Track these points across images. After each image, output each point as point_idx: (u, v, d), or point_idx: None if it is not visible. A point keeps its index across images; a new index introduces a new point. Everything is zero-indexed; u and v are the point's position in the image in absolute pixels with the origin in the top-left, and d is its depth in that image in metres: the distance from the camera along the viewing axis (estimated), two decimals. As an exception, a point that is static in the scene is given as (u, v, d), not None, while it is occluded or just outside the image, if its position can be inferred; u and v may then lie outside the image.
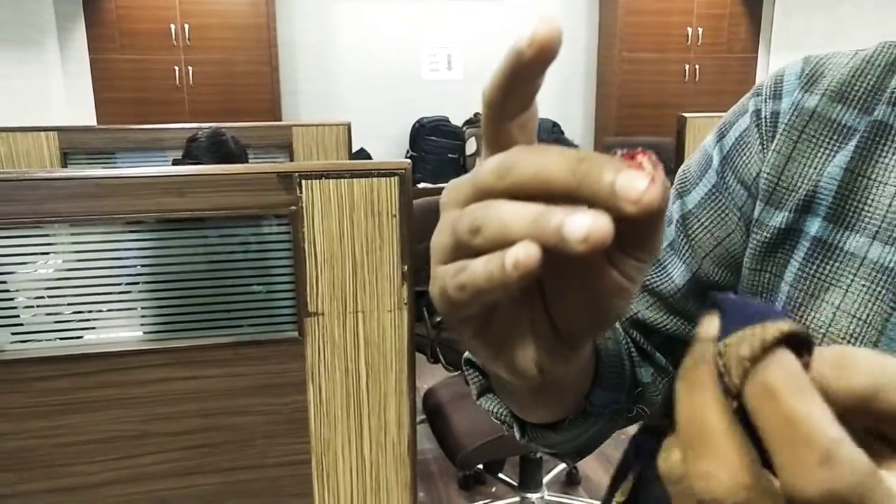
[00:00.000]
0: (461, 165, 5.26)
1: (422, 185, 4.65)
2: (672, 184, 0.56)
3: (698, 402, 0.22)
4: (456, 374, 2.37)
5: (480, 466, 2.32)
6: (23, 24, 4.00)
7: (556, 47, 0.26)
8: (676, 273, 0.54)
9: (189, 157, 2.26)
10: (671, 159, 3.55)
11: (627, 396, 0.51)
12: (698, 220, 0.53)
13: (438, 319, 2.42)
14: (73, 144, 2.63)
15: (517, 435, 0.51)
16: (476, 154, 5.15)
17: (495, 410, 0.51)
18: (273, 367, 1.36)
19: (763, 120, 0.50)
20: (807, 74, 0.49)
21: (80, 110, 4.51)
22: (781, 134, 0.48)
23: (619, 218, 0.23)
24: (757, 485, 0.21)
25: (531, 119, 0.29)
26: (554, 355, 0.31)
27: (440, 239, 0.29)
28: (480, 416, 1.95)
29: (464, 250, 0.27)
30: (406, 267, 1.36)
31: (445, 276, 0.27)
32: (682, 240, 0.54)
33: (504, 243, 0.25)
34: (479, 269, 0.26)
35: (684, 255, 0.54)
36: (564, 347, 0.32)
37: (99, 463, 1.34)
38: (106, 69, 4.53)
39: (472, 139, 5.25)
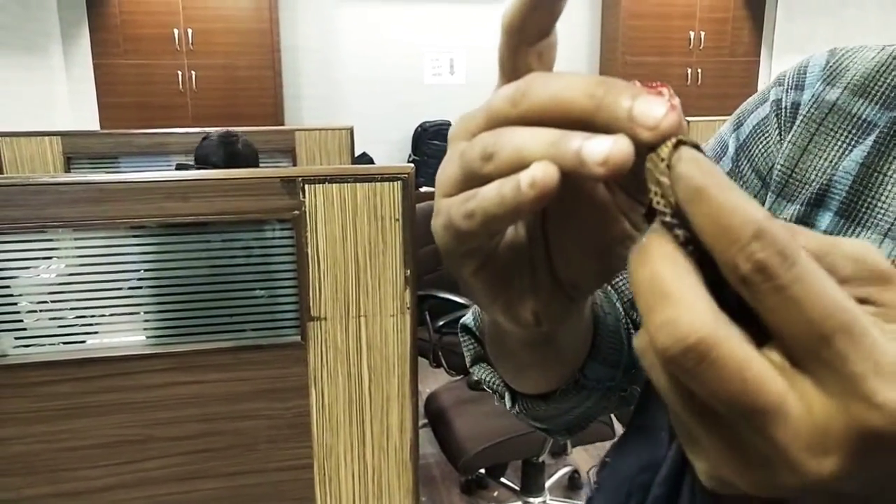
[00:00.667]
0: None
1: (424, 190, 4.65)
2: None
3: (649, 263, 0.21)
4: (458, 378, 2.37)
5: (483, 471, 2.31)
6: (28, 29, 4.02)
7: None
8: None
9: (199, 156, 2.27)
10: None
11: (623, 374, 0.49)
12: None
13: (441, 324, 2.42)
14: (76, 149, 2.64)
15: (508, 405, 0.50)
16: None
17: (487, 379, 0.50)
18: (275, 371, 1.36)
19: (783, 110, 0.49)
20: (830, 67, 0.48)
21: (84, 115, 4.52)
22: (799, 125, 0.47)
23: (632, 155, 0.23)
24: (717, 322, 0.20)
25: (550, 48, 0.29)
26: (552, 304, 0.31)
27: (447, 170, 0.27)
28: (483, 420, 1.95)
29: (474, 179, 0.26)
30: (409, 271, 1.36)
31: (451, 207, 0.27)
32: None
33: (519, 167, 0.24)
34: (491, 193, 0.25)
35: None
36: (564, 297, 0.31)
37: (102, 468, 1.34)
38: (109, 74, 4.54)
39: (475, 143, 5.24)
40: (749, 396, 0.20)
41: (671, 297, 0.20)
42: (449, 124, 5.23)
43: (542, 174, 0.23)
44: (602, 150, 0.23)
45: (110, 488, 1.35)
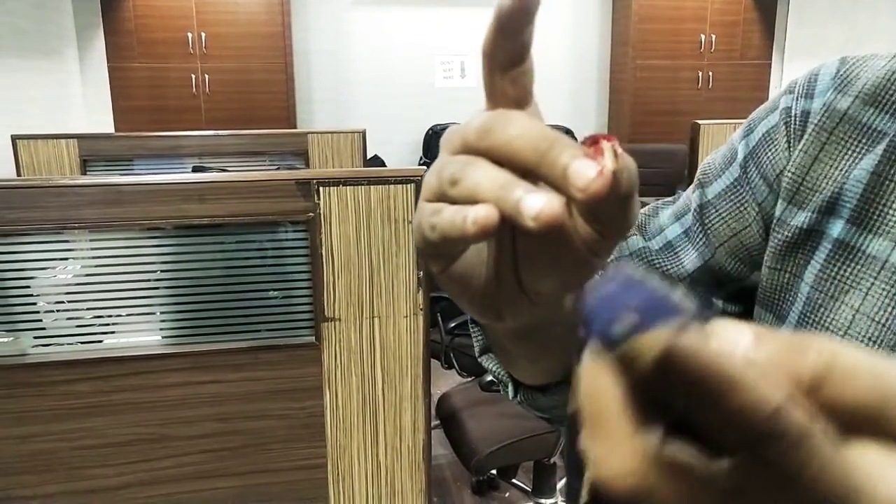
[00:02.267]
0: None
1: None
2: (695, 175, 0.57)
3: (597, 379, 0.21)
4: (470, 380, 2.38)
5: (494, 472, 2.32)
6: (44, 33, 4.06)
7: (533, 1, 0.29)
8: (688, 260, 0.54)
9: None
10: (684, 166, 3.55)
11: None
12: (716, 211, 0.53)
13: (453, 325, 2.43)
14: (92, 152, 2.67)
15: (510, 395, 0.51)
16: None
17: (494, 369, 0.52)
18: (290, 371, 1.37)
19: (793, 118, 0.49)
20: (841, 75, 0.48)
21: (98, 118, 4.56)
22: (810, 134, 0.48)
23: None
24: (650, 470, 0.20)
25: (523, 74, 0.31)
26: (514, 306, 0.33)
27: (429, 178, 0.31)
28: (495, 421, 1.96)
29: (443, 195, 0.29)
30: (422, 273, 1.37)
31: (423, 214, 0.30)
32: (698, 228, 0.54)
33: (472, 200, 0.28)
34: (446, 217, 0.28)
35: (698, 243, 0.54)
36: (526, 301, 0.33)
37: (118, 466, 1.36)
38: (124, 77, 4.59)
39: (486, 146, 5.25)
40: None
41: (608, 432, 0.20)
42: (460, 127, 5.28)
43: (483, 217, 0.27)
44: (535, 206, 0.26)
45: (126, 486, 1.37)
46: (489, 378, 1.86)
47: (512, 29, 0.30)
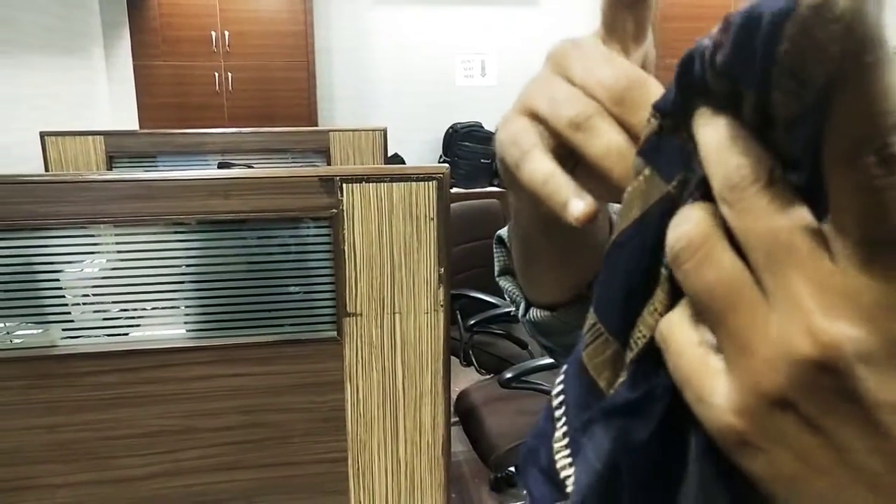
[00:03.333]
0: (493, 171, 5.28)
1: (455, 190, 4.68)
2: None
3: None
4: (489, 377, 2.38)
5: (513, 469, 2.33)
6: (72, 31, 4.13)
7: None
8: None
9: None
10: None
11: None
12: None
13: (472, 322, 2.44)
14: (118, 148, 2.71)
15: (520, 313, 0.51)
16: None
17: (509, 289, 0.52)
18: (312, 366, 1.39)
19: None
20: None
21: (123, 115, 4.62)
22: None
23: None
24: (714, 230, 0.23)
25: (646, 8, 0.32)
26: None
27: (538, 97, 0.32)
28: (514, 418, 1.97)
29: (548, 121, 0.31)
30: (443, 270, 1.38)
31: (516, 137, 0.32)
32: None
33: (585, 150, 0.30)
34: (538, 180, 0.30)
35: None
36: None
37: (143, 456, 1.38)
38: (148, 75, 4.64)
39: (506, 145, 5.25)
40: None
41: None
42: (480, 126, 5.26)
43: (585, 213, 0.28)
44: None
45: (151, 477, 1.39)
46: (508, 374, 1.87)
47: None
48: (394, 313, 1.39)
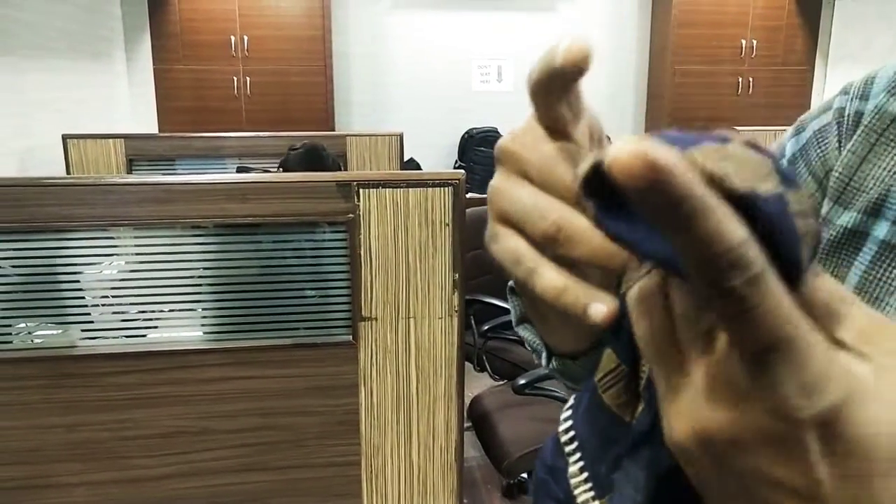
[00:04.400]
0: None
1: (469, 196, 4.67)
2: None
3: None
4: (502, 383, 2.38)
5: (525, 475, 2.32)
6: (94, 36, 4.18)
7: (584, 65, 0.29)
8: None
9: (284, 164, 2.34)
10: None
11: None
12: None
13: (485, 328, 2.44)
14: (138, 151, 2.74)
15: (543, 362, 0.52)
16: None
17: (529, 338, 0.53)
18: (327, 369, 1.40)
19: (846, 118, 0.49)
20: None
21: (143, 119, 4.67)
22: (859, 135, 0.48)
23: None
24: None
25: (576, 98, 0.33)
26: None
27: (506, 202, 0.32)
28: (527, 424, 1.96)
29: (529, 233, 0.31)
30: (458, 275, 1.39)
31: (509, 247, 0.32)
32: None
33: (573, 260, 0.30)
34: (550, 289, 0.30)
35: None
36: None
37: (160, 457, 1.40)
38: (168, 79, 4.69)
39: (521, 150, 5.25)
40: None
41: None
42: (496, 131, 5.26)
43: (607, 314, 0.29)
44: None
45: (167, 477, 1.41)
46: (522, 381, 1.87)
47: (562, 82, 0.31)
48: (408, 318, 1.40)
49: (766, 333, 0.22)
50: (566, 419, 0.33)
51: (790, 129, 0.54)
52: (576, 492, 0.32)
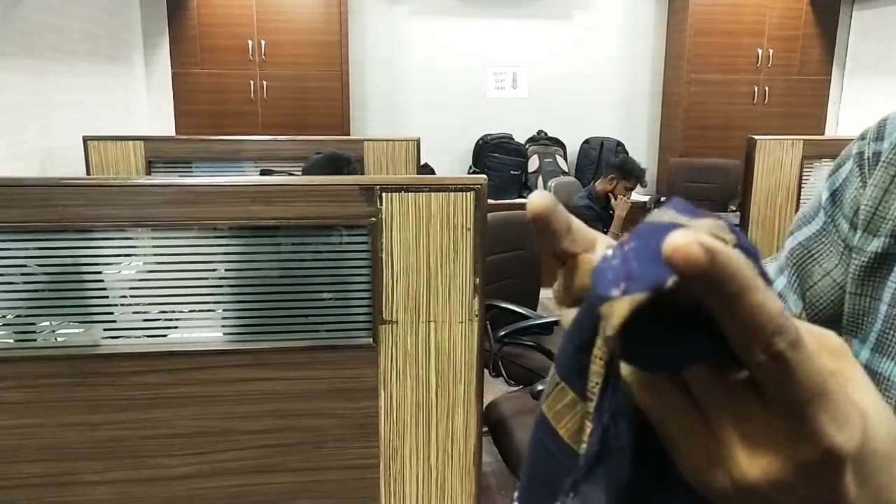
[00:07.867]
0: (523, 182, 5.28)
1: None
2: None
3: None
4: (518, 388, 2.38)
5: (539, 483, 2.32)
6: (114, 39, 4.23)
7: (546, 216, 0.33)
8: (791, 303, 0.58)
9: (307, 170, 2.39)
10: (738, 181, 3.50)
11: None
12: (808, 252, 0.58)
13: (502, 333, 2.44)
14: (157, 153, 2.77)
15: None
16: (537, 172, 5.17)
17: None
18: (347, 371, 1.40)
19: (866, 161, 0.55)
20: None
21: (160, 121, 4.71)
22: (880, 169, 0.53)
23: None
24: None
25: (578, 230, 0.35)
26: None
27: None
28: (543, 431, 1.96)
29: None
30: (478, 280, 1.39)
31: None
32: (793, 272, 0.59)
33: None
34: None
35: (794, 286, 0.58)
36: None
37: (180, 456, 1.40)
38: (186, 83, 4.73)
39: (535, 156, 5.26)
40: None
41: None
42: (510, 137, 5.28)
43: None
44: None
45: (187, 477, 1.42)
46: (540, 387, 1.87)
47: (543, 228, 0.34)
48: (429, 322, 1.40)
49: (809, 387, 0.25)
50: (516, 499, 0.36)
51: (823, 179, 0.60)
52: None
